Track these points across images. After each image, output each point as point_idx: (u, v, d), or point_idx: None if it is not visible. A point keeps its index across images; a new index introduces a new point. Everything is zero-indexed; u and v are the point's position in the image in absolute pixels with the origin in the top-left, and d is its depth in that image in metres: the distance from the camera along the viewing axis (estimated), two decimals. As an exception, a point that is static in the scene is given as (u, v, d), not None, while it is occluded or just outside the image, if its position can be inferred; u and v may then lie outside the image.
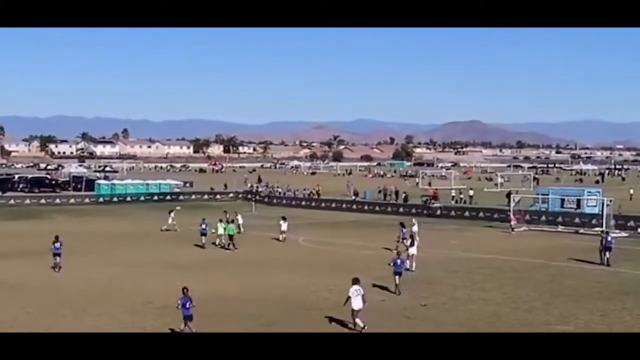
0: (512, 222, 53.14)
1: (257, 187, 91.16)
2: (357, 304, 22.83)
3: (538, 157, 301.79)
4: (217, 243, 43.32)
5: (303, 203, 77.37)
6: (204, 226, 43.58)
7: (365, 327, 22.48)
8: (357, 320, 22.81)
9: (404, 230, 42.43)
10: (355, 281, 23.30)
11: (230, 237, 42.64)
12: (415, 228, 44.07)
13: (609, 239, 37.84)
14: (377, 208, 70.13)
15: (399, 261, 29.77)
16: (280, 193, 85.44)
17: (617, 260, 37.58)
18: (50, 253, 35.73)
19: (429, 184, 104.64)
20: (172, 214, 52.82)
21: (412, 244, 36.01)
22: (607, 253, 37.11)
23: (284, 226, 46.84)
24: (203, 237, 43.27)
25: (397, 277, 29.39)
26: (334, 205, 74.94)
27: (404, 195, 77.20)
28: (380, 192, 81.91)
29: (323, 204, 75.97)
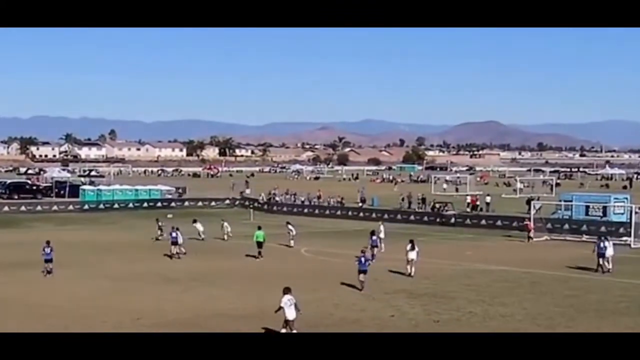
0: (531, 232, 53.01)
1: (275, 194, 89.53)
2: (290, 314, 23.76)
3: (556, 163, 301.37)
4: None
5: (305, 210, 77.39)
6: (174, 234, 44.19)
7: None
8: (294, 331, 23.50)
9: (374, 238, 43.82)
10: (287, 291, 24.15)
11: (260, 244, 43.83)
12: (382, 235, 46.53)
13: (602, 245, 38.39)
14: (385, 216, 70.02)
15: (363, 259, 33.22)
16: (302, 201, 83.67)
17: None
18: (32, 265, 36.00)
19: (456, 190, 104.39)
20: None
21: (412, 248, 37.27)
22: (601, 260, 38.07)
23: (294, 231, 49.74)
24: (173, 247, 43.91)
25: (361, 274, 32.87)
26: (339, 213, 74.97)
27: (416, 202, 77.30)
28: (403, 199, 79.69)
29: (327, 212, 76.02)
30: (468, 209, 74.08)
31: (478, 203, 78.87)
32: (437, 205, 73.61)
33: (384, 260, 41.60)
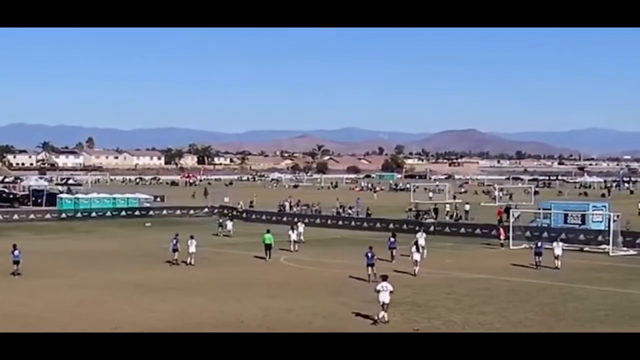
0: (501, 237, 53.47)
1: (290, 204, 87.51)
2: (382, 298, 27.57)
3: (535, 171, 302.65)
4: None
5: (284, 219, 77.17)
6: (174, 242, 44.35)
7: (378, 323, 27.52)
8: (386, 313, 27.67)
9: (392, 240, 46.02)
10: (384, 277, 28.50)
11: (268, 246, 46.40)
12: (422, 242, 46.86)
13: (539, 245, 43.94)
14: (365, 224, 70.18)
15: (369, 254, 37.55)
16: (315, 212, 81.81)
17: (625, 281, 38.13)
18: (9, 274, 35.65)
19: (454, 197, 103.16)
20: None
21: (417, 250, 40.91)
22: (537, 258, 43.26)
23: (294, 235, 51.71)
24: (176, 253, 44.18)
25: (369, 268, 36.99)
26: (318, 221, 74.82)
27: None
28: (409, 210, 76.85)
29: (306, 220, 75.78)
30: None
31: (452, 210, 78.98)
32: (424, 214, 73.78)
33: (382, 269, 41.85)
